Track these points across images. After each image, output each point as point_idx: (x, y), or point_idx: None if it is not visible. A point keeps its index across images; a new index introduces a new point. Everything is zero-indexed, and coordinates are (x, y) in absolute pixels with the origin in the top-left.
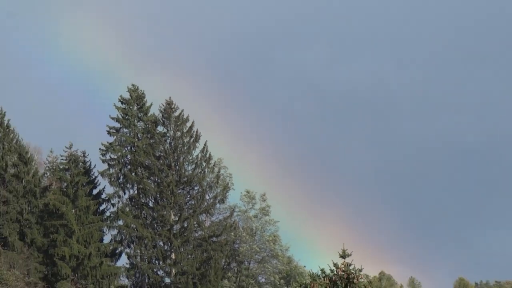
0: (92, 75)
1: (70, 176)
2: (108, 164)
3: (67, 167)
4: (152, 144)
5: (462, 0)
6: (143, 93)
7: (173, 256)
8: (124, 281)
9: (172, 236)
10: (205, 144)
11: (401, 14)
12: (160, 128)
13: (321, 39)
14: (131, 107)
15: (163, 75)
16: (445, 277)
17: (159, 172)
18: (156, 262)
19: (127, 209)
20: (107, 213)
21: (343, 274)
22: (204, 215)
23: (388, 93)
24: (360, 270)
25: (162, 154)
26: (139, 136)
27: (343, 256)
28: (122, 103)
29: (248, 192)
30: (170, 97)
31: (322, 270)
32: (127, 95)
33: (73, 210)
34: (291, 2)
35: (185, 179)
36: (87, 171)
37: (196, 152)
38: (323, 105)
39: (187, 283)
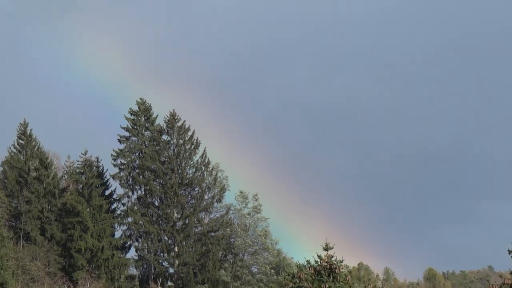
0: (105, 90)
1: (85, 179)
2: (119, 168)
3: (82, 171)
4: (158, 151)
5: (430, 26)
6: (149, 106)
7: (176, 249)
8: (133, 271)
9: (175, 232)
10: (204, 151)
11: (374, 39)
12: (164, 137)
13: (306, 59)
14: (139, 118)
15: (167, 90)
16: (416, 268)
17: (164, 175)
18: (161, 254)
19: (136, 207)
20: (118, 211)
21: (326, 265)
22: (203, 213)
23: (364, 106)
24: (341, 261)
25: (166, 159)
26: (146, 143)
27: (326, 249)
28: (131, 114)
29: (242, 192)
30: (173, 109)
31: (308, 261)
32: (135, 108)
33: (88, 209)
34: (281, 27)
35: (187, 181)
36: (100, 174)
37: (196, 157)
38: (308, 116)
39: (189, 273)
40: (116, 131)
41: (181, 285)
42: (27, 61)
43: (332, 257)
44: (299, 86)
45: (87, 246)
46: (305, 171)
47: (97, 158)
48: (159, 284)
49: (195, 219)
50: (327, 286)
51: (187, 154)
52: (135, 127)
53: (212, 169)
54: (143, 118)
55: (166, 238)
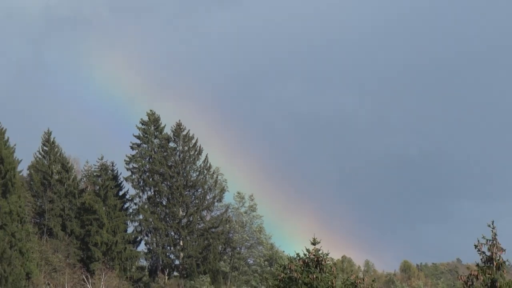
0: (119, 102)
1: (102, 181)
2: (131, 172)
3: (99, 174)
4: (165, 156)
5: (409, 44)
6: (158, 117)
7: (181, 243)
8: (143, 262)
9: (180, 228)
10: (206, 156)
11: (359, 58)
12: (171, 144)
13: (298, 75)
14: (149, 127)
15: (174, 102)
16: (393, 260)
17: (171, 178)
18: (168, 248)
19: (146, 206)
20: (130, 210)
21: (314, 258)
22: (205, 211)
23: (347, 117)
24: (327, 254)
25: (173, 164)
26: (155, 150)
27: (314, 243)
28: (142, 124)
29: (239, 193)
30: (179, 120)
31: (297, 254)
32: (146, 118)
33: (103, 207)
34: (275, 47)
35: (191, 183)
36: (115, 177)
37: (199, 162)
38: (298, 126)
39: (192, 264)
40: (129, 139)
41: (185, 275)
42: (50, 78)
43: (319, 250)
44: (291, 99)
45: (103, 240)
46: (295, 174)
47: (112, 163)
48: (166, 274)
49: (198, 217)
50: (314, 276)
51: (191, 159)
52: (146, 135)
53: (213, 173)
54: (152, 128)
55: (172, 233)
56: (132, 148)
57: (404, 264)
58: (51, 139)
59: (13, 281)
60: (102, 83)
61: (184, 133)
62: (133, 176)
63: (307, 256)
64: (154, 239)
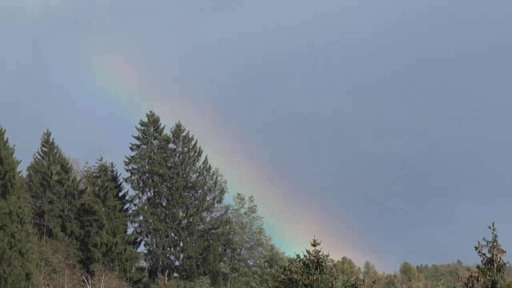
0: (119, 103)
1: (101, 182)
2: (131, 173)
3: (98, 175)
4: (165, 158)
5: (409, 44)
6: (158, 118)
7: (181, 244)
8: (143, 263)
9: (180, 229)
10: (205, 158)
11: (358, 59)
12: (171, 145)
13: (296, 76)
14: (148, 128)
15: (174, 104)
16: (393, 261)
17: (170, 179)
18: (168, 249)
19: (146, 207)
20: (130, 211)
21: (314, 259)
22: (205, 212)
23: (347, 118)
24: (327, 256)
25: (172, 165)
26: (154, 151)
27: (314, 244)
28: (141, 125)
29: (239, 194)
30: (179, 121)
31: (298, 256)
32: (145, 119)
33: (103, 208)
34: (275, 47)
35: (191, 184)
36: (114, 178)
37: (199, 163)
38: (297, 128)
39: (192, 265)
40: (128, 139)
41: (185, 276)
42: (49, 79)
43: (319, 252)
44: (290, 100)
45: (103, 241)
46: (295, 175)
47: (112, 164)
48: (166, 275)
49: (198, 218)
50: (314, 277)
51: (191, 160)
52: (145, 136)
53: (213, 174)
54: (152, 129)
55: (172, 234)
56: (131, 149)
57: (405, 266)
58: (51, 140)
59: (12, 282)
60: (102, 83)
61: (184, 134)
62: (133, 177)
63: (307, 257)
64: (154, 240)
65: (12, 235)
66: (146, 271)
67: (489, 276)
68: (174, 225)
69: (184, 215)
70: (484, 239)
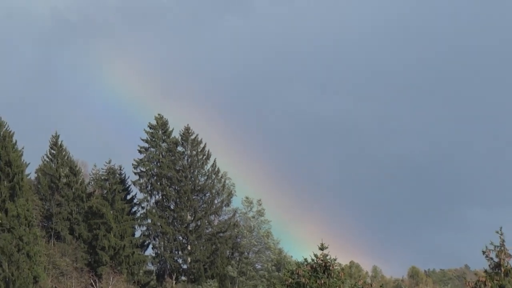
0: (127, 106)
1: (109, 185)
2: (139, 176)
3: (107, 177)
4: (173, 161)
5: (414, 46)
6: (166, 121)
7: (189, 247)
8: (151, 267)
9: (188, 232)
10: (214, 161)
11: (365, 62)
12: (179, 148)
13: (303, 79)
14: (157, 131)
15: (182, 107)
16: (401, 266)
17: (179, 182)
18: (176, 252)
19: (154, 210)
20: (138, 214)
21: (322, 263)
22: (213, 216)
23: (353, 120)
24: (335, 260)
25: (181, 168)
26: (163, 154)
27: (322, 248)
28: (150, 128)
29: (247, 198)
30: (188, 124)
31: (305, 259)
32: (154, 122)
33: (111, 211)
34: (281, 50)
35: (199, 187)
36: (123, 181)
37: (207, 167)
38: (305, 130)
39: (200, 269)
40: (137, 142)
41: (193, 280)
42: (58, 82)
43: (327, 255)
44: (297, 102)
45: (110, 244)
46: (302, 178)
47: (120, 167)
48: (173, 278)
49: (206, 221)
50: (322, 281)
51: (199, 163)
52: (154, 139)
53: (221, 177)
54: (160, 132)
55: (180, 237)
56: (140, 152)
57: (412, 270)
58: (59, 143)
59: (20, 285)
60: (110, 86)
61: (193, 137)
62: (141, 180)
63: (315, 261)
64: (162, 243)
65: (20, 237)
66: (153, 274)
67: (496, 280)
68: (182, 228)
69: (192, 218)
70: (491, 243)
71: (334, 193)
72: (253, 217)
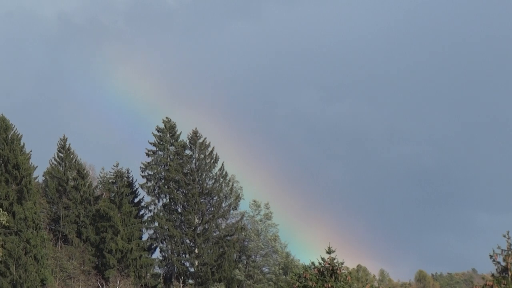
0: (135, 110)
1: (117, 188)
2: (147, 179)
3: (114, 181)
4: (181, 164)
5: (426, 54)
6: (174, 124)
7: (196, 250)
8: (158, 270)
9: (196, 235)
10: (222, 164)
11: (373, 67)
12: (187, 151)
13: (312, 82)
14: (165, 134)
15: (190, 111)
16: (408, 269)
17: (186, 186)
18: (183, 255)
19: (161, 214)
20: (145, 217)
21: (329, 266)
22: (221, 219)
23: (365, 128)
24: (342, 263)
25: (188, 171)
26: (171, 157)
27: (329, 252)
28: (158, 131)
29: (255, 201)
30: (196, 128)
31: (312, 263)
32: (162, 126)
33: (118, 214)
34: (290, 57)
35: (206, 191)
36: (130, 184)
37: (215, 170)
38: (314, 136)
39: (207, 272)
40: (145, 146)
41: (200, 283)
42: (66, 85)
43: (334, 259)
44: (305, 106)
45: (118, 248)
46: (310, 183)
47: (128, 170)
48: (181, 281)
49: (214, 225)
50: (329, 285)
51: (207, 167)
52: (161, 142)
53: (229, 181)
54: (168, 135)
55: (187, 241)
56: (147, 155)
57: (419, 274)
58: (67, 146)
59: None
60: (118, 90)
61: (201, 141)
62: (149, 183)
63: (322, 265)
64: (169, 246)
65: (28, 240)
66: (161, 277)
67: (503, 284)
68: (190, 231)
69: (200, 222)
70: (498, 247)
71: (341, 196)
72: (261, 220)
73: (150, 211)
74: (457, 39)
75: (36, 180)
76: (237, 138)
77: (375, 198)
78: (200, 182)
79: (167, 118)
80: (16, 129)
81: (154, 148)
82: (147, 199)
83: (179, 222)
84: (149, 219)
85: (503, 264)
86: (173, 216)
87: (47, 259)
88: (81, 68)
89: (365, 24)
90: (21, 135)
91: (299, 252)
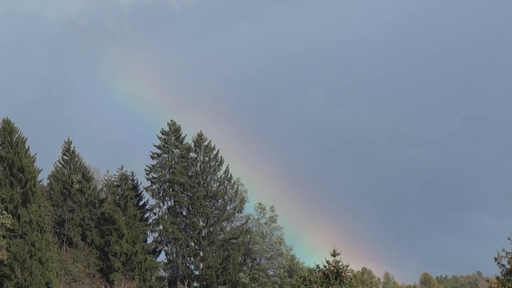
0: (140, 113)
1: (122, 191)
2: (151, 182)
3: (119, 183)
4: (186, 167)
5: (431, 57)
6: (179, 127)
7: (201, 253)
8: (163, 273)
9: (200, 238)
10: (227, 167)
11: (375, 68)
12: (192, 154)
13: (316, 86)
14: (170, 137)
15: (195, 113)
16: (413, 272)
17: (191, 188)
18: (188, 258)
19: (166, 217)
20: (150, 220)
21: (334, 269)
22: (226, 222)
23: (368, 130)
24: (347, 266)
25: (193, 174)
26: (175, 160)
27: (334, 255)
28: (163, 134)
29: (260, 204)
30: (200, 130)
31: (317, 266)
32: (167, 128)
33: (123, 217)
34: (294, 60)
35: (211, 194)
36: (135, 187)
37: (220, 173)
38: (317, 138)
39: (212, 275)
40: (149, 148)
41: (205, 286)
42: (71, 88)
43: (339, 262)
44: (309, 108)
45: (123, 251)
46: (315, 185)
47: (132, 173)
48: (185, 285)
49: (218, 228)
50: None
51: (212, 170)
52: (166, 145)
53: (234, 183)
54: (173, 138)
55: (192, 244)
56: (152, 158)
57: (424, 277)
58: (72, 149)
59: None
60: (123, 93)
61: (205, 143)
62: (153, 186)
63: (327, 267)
64: (174, 249)
65: (33, 243)
66: (166, 280)
67: (508, 287)
68: (195, 234)
69: (205, 225)
70: (503, 250)
71: (346, 199)
72: (266, 223)
73: (154, 214)
74: (457, 39)
75: (41, 183)
76: (240, 140)
77: (379, 200)
78: (205, 185)
79: (171, 121)
80: (20, 132)
81: (158, 151)
82: (152, 202)
83: (184, 225)
84: (153, 222)
85: (508, 266)
86: (178, 219)
87: (52, 262)
88: (85, 70)
89: (366, 24)
90: (26, 138)
91: (304, 255)
